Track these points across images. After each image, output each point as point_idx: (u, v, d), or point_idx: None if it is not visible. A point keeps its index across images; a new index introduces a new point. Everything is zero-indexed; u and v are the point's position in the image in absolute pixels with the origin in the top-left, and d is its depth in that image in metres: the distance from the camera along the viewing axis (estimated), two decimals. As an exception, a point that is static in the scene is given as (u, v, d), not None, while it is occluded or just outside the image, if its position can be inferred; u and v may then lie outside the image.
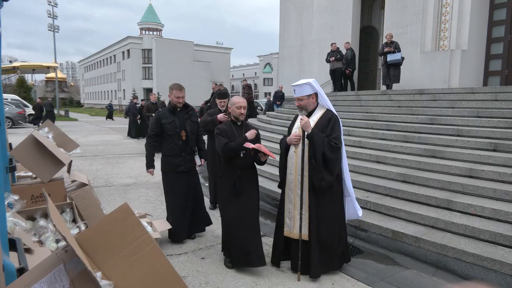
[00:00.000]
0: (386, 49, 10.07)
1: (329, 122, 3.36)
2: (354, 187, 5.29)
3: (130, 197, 6.24)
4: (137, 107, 15.34)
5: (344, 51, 11.93)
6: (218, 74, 55.06)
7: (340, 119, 3.46)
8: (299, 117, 3.50)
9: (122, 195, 6.39)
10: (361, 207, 4.81)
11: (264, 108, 18.61)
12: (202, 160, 4.53)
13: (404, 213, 4.36)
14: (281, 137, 3.86)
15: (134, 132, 15.34)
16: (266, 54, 61.49)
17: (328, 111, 3.48)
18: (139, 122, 14.97)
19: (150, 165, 4.28)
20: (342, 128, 3.46)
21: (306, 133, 3.31)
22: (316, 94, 3.48)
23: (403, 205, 4.51)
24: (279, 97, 16.77)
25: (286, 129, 3.83)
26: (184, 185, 4.29)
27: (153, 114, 11.23)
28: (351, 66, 11.79)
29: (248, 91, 13.63)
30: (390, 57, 9.97)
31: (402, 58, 10.00)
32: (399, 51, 10.00)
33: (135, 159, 10.12)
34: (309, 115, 3.49)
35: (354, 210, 3.68)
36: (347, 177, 3.56)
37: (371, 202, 4.75)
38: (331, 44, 12.21)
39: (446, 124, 6.42)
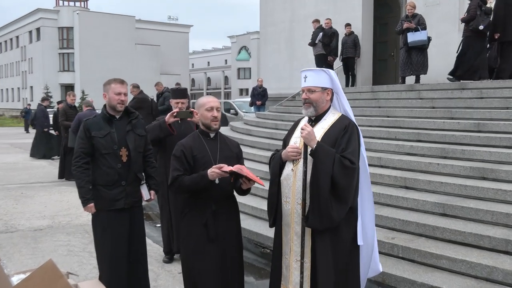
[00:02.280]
0: (405, 25, 10.26)
1: (345, 131, 3.35)
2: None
3: (44, 248, 6.10)
4: (46, 113, 15.23)
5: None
6: (172, 62, 55.12)
7: (359, 129, 3.47)
8: (301, 122, 3.50)
9: (32, 245, 6.24)
10: (385, 253, 4.87)
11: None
12: (152, 192, 4.46)
13: (446, 260, 4.42)
14: (268, 154, 3.85)
15: (44, 149, 15.12)
16: (240, 34, 62.18)
17: (343, 117, 3.49)
18: (55, 133, 14.75)
19: (87, 198, 4.16)
20: (362, 141, 3.47)
21: (309, 149, 3.30)
22: (332, 92, 3.50)
23: (444, 249, 4.56)
24: (259, 95, 16.82)
25: (273, 141, 3.83)
26: (125, 229, 4.22)
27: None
28: (332, 53, 12.88)
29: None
30: (412, 37, 10.12)
31: (429, 39, 10.20)
32: (424, 28, 10.16)
33: (50, 190, 9.92)
34: (315, 121, 3.48)
35: (373, 264, 3.64)
36: (369, 215, 3.51)
37: (398, 246, 4.79)
38: (312, 22, 13.21)
39: (499, 132, 6.58)
